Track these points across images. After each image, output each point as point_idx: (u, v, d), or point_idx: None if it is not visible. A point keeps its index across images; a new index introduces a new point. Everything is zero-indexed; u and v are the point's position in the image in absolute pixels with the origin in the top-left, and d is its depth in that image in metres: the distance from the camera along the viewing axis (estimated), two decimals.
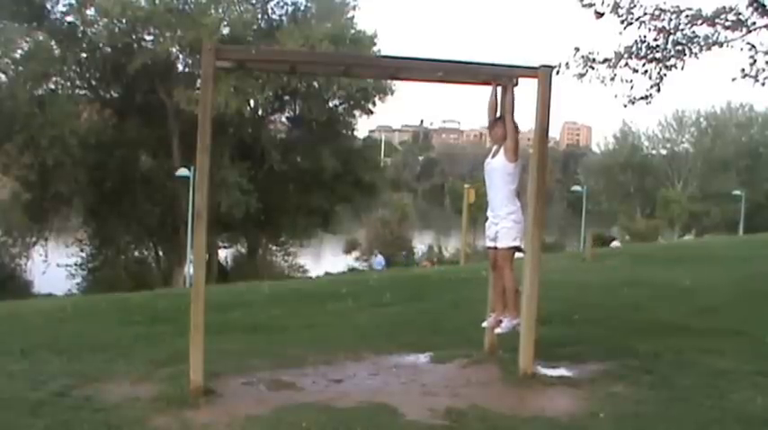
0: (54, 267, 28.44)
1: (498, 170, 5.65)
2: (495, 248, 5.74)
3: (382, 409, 4.69)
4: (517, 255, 5.86)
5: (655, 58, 10.22)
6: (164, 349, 6.19)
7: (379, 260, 29.40)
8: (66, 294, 23.97)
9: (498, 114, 5.77)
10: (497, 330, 5.76)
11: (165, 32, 26.03)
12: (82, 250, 30.30)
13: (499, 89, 5.77)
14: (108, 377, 5.34)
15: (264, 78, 25.10)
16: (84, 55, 27.39)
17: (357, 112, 30.57)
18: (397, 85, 27.89)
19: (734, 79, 10.48)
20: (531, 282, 5.37)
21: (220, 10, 26.90)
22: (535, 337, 5.38)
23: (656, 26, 10.08)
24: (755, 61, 10.16)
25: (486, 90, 5.85)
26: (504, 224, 5.63)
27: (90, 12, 26.29)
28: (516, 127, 5.68)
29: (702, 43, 10.08)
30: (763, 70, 10.22)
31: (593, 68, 10.37)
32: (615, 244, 36.24)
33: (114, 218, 28.59)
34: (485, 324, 5.91)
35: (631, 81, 10.48)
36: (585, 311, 8.01)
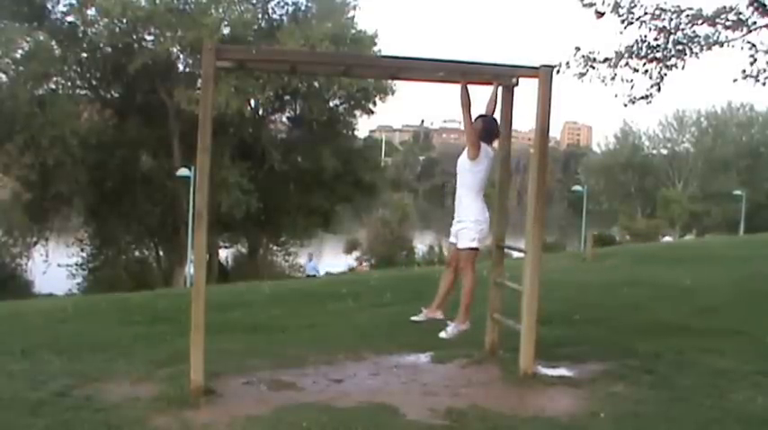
0: (54, 267, 28.43)
1: (461, 168, 5.63)
2: (457, 246, 5.71)
3: (383, 409, 4.69)
4: (517, 254, 5.84)
5: (655, 58, 10.23)
6: (164, 349, 6.20)
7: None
8: (66, 294, 23.98)
9: (484, 112, 5.75)
10: (441, 334, 5.72)
11: (166, 32, 26.02)
12: (82, 250, 30.29)
13: (500, 89, 5.77)
14: (108, 377, 5.34)
15: (265, 78, 25.09)
16: (84, 55, 27.37)
17: (357, 112, 30.56)
18: (398, 84, 27.89)
19: (735, 80, 10.50)
20: (532, 282, 5.36)
21: (221, 10, 26.88)
22: (535, 337, 5.38)
23: (656, 26, 10.09)
24: (756, 61, 10.17)
25: (486, 90, 5.85)
26: (465, 224, 5.58)
27: (90, 12, 26.27)
28: (488, 122, 5.63)
29: (703, 43, 10.09)
30: (764, 70, 10.23)
31: (593, 68, 10.39)
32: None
33: (115, 218, 28.58)
34: (414, 318, 5.85)
35: (632, 81, 10.50)
36: (585, 311, 8.01)
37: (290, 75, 20.41)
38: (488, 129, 5.66)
